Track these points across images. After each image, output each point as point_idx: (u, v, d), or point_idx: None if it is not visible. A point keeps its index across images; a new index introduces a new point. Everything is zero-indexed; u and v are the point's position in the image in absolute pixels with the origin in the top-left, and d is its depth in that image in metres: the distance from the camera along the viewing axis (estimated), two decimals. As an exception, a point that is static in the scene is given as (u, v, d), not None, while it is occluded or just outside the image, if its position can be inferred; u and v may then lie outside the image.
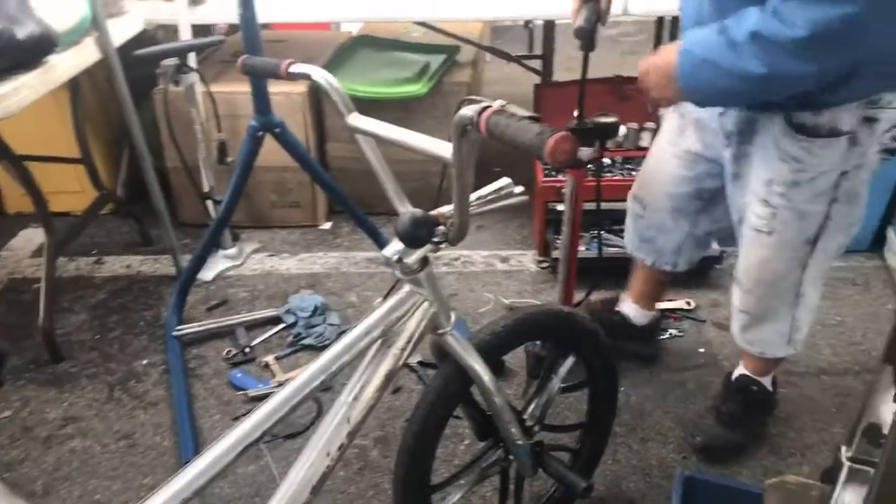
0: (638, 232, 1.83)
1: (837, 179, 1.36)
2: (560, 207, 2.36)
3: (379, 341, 1.18)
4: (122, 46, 2.11)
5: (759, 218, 1.46)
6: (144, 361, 2.14)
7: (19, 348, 2.19)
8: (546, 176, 2.33)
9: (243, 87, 2.12)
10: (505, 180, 1.19)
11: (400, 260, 1.13)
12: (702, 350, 2.12)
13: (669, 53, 1.29)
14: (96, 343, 2.22)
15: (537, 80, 2.99)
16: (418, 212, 1.11)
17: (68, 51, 1.88)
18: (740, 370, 1.78)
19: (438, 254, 2.51)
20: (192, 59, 2.24)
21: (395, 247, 1.13)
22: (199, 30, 2.35)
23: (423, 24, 2.69)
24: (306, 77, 1.20)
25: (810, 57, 1.13)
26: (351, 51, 2.72)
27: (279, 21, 2.58)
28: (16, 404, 2.01)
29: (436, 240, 1.13)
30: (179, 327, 2.19)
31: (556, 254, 2.37)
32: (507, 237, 2.69)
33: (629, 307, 2.00)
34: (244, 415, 1.36)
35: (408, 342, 1.19)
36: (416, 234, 1.10)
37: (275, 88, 2.36)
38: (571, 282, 1.95)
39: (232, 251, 2.54)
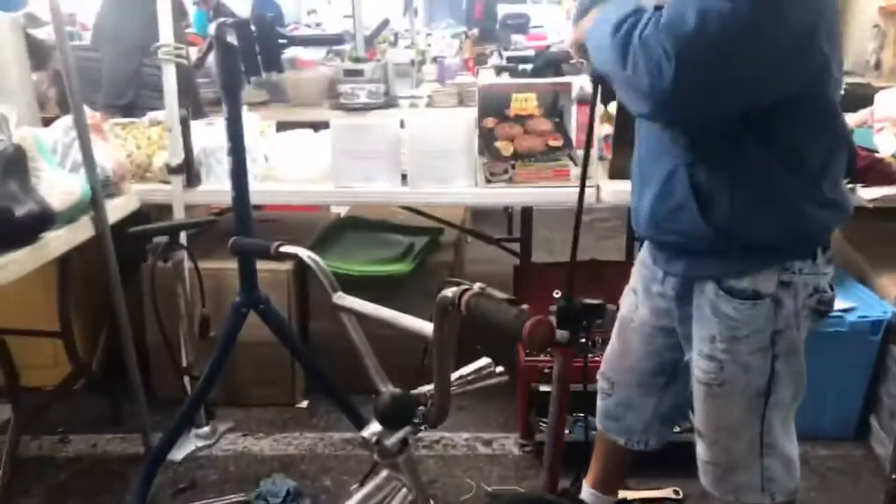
0: (607, 411, 1.82)
1: (772, 337, 1.45)
2: (543, 388, 2.36)
3: (353, 531, 1.11)
4: (115, 223, 2.18)
5: (706, 372, 1.51)
6: (98, 552, 1.99)
7: (-36, 536, 2.03)
8: (528, 356, 2.34)
9: (229, 264, 2.17)
10: (485, 360, 1.19)
11: (378, 442, 1.09)
12: (693, 543, 2.01)
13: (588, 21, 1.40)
14: (49, 530, 2.07)
15: (516, 261, 3.09)
16: (398, 391, 1.10)
17: (63, 228, 1.94)
18: None
19: (419, 435, 2.45)
20: (182, 237, 2.31)
21: (373, 428, 1.10)
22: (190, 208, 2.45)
23: (407, 208, 2.83)
24: (295, 258, 1.24)
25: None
26: (338, 231, 2.82)
27: (272, 203, 2.70)
28: None
29: (416, 421, 1.11)
30: (140, 513, 2.05)
31: (539, 437, 2.31)
32: (489, 419, 2.63)
33: (588, 494, 1.93)
34: None
35: (384, 532, 1.12)
36: (396, 415, 1.08)
37: (262, 266, 2.42)
38: (557, 467, 1.88)
39: (205, 430, 2.45)
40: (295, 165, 2.47)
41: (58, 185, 1.92)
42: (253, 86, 4.15)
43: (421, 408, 1.11)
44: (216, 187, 2.42)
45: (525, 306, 0.80)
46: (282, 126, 2.98)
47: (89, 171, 2.00)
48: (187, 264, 2.31)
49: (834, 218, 1.46)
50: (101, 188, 2.06)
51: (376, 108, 3.84)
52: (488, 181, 2.37)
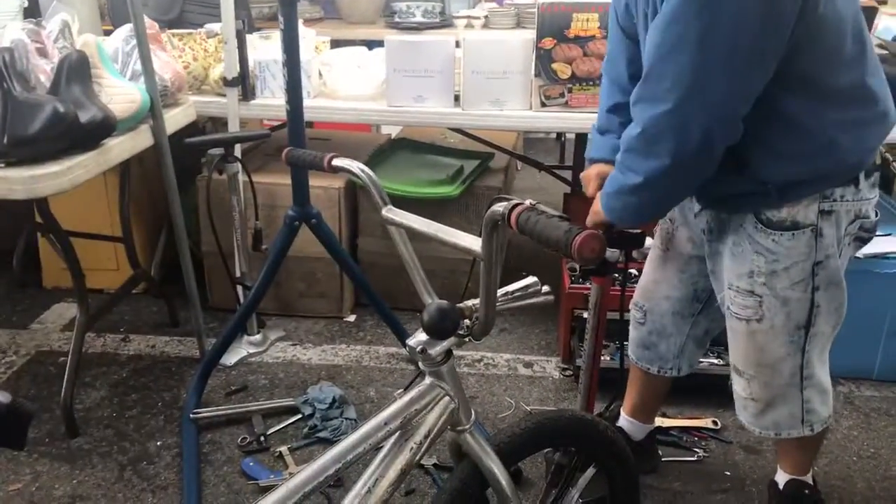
0: (640, 340, 1.84)
1: (813, 268, 1.43)
2: (586, 315, 2.37)
3: (397, 434, 1.16)
4: (172, 134, 2.23)
5: (745, 308, 1.51)
6: (158, 443, 2.12)
7: (37, 420, 2.19)
8: (573, 283, 2.34)
9: (283, 179, 2.21)
10: (532, 279, 1.20)
11: (424, 351, 1.13)
12: (728, 473, 2.04)
13: (596, 203, 1.52)
14: (113, 421, 2.21)
15: (567, 189, 3.06)
16: (445, 303, 1.12)
17: (125, 135, 1.99)
18: (784, 476, 1.75)
19: (461, 353, 2.50)
20: (237, 150, 2.35)
21: (419, 337, 1.13)
22: (244, 123, 2.48)
23: (458, 130, 2.80)
24: (348, 171, 1.25)
25: (654, 152, 1.29)
26: (389, 151, 2.82)
27: (325, 120, 2.71)
28: (26, 477, 1.99)
29: (460, 333, 1.14)
30: (197, 410, 2.17)
31: (579, 361, 2.34)
32: (531, 342, 2.67)
33: (626, 421, 1.96)
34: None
35: (426, 437, 1.17)
36: (442, 325, 1.11)
37: (314, 182, 2.46)
38: (593, 391, 1.92)
39: (256, 338, 2.56)
40: (348, 83, 2.46)
41: (119, 92, 1.96)
42: (308, 1, 4.11)
43: (466, 321, 1.14)
44: (271, 101, 2.44)
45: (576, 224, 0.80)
46: (335, 43, 2.97)
47: (149, 79, 2.03)
48: (241, 177, 2.35)
49: (874, 136, 1.39)
50: (160, 97, 2.10)
51: (431, 28, 3.77)
52: (543, 105, 2.33)
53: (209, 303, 2.78)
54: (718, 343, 1.94)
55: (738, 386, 1.63)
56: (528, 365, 2.54)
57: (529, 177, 3.84)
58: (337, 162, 1.26)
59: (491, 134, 2.90)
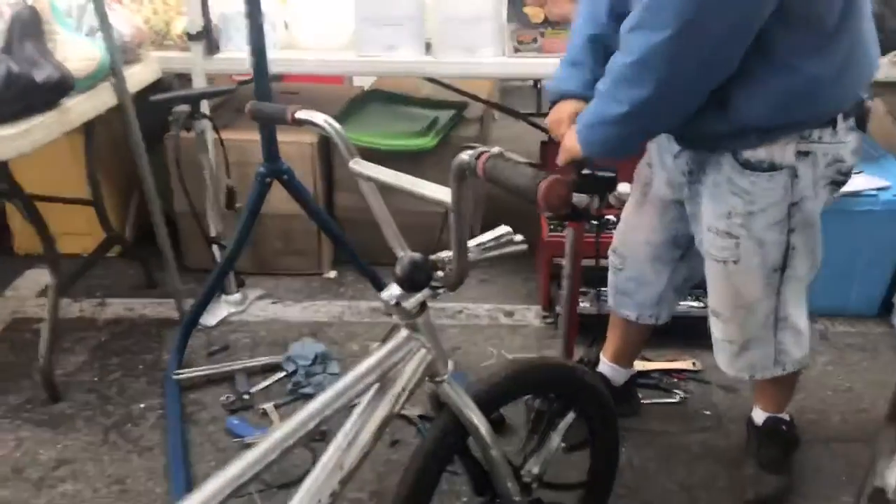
0: (618, 286, 1.84)
1: (789, 209, 1.44)
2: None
3: (375, 386, 1.16)
4: (137, 92, 2.17)
5: (723, 249, 1.51)
6: (142, 405, 2.12)
7: (18, 387, 2.17)
8: (552, 231, 2.34)
9: (253, 136, 2.16)
10: (504, 228, 1.19)
11: (398, 304, 1.12)
12: (707, 413, 2.08)
13: (570, 138, 1.47)
14: (95, 385, 2.20)
15: (544, 138, 3.02)
16: (417, 255, 1.11)
17: (85, 94, 1.93)
18: (761, 414, 1.79)
19: (442, 305, 2.50)
20: (205, 107, 2.29)
21: (392, 290, 1.13)
22: (212, 79, 2.41)
23: (432, 80, 2.75)
24: (311, 123, 1.22)
25: (644, 81, 1.27)
26: (362, 104, 2.77)
27: (293, 72, 2.64)
28: (10, 444, 1.98)
29: (434, 285, 1.13)
30: (179, 371, 2.17)
31: (559, 309, 2.35)
32: (511, 291, 2.68)
33: (606, 367, 1.98)
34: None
35: (404, 389, 1.17)
36: (415, 278, 1.10)
37: (285, 137, 2.41)
38: (572, 337, 1.94)
39: (236, 297, 2.54)
40: (316, 33, 2.40)
41: (75, 50, 1.89)
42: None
43: (439, 272, 1.13)
44: (236, 55, 2.37)
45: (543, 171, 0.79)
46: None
47: (106, 35, 1.96)
48: (210, 134, 2.30)
49: (857, 80, 1.38)
50: (120, 54, 2.03)
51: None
52: (516, 50, 2.28)
53: (185, 263, 2.75)
54: (699, 286, 1.96)
55: (716, 329, 1.65)
56: (510, 314, 2.55)
57: (506, 126, 3.79)
58: (300, 114, 1.23)
59: (466, 83, 2.85)
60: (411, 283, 1.10)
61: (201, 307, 2.21)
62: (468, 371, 2.22)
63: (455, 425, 1.24)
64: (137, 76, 2.17)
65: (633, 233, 1.77)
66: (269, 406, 2.07)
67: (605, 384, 1.98)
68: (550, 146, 2.75)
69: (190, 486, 1.80)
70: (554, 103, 1.60)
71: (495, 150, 0.91)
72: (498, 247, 1.18)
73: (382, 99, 2.80)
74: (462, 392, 1.24)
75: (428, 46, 2.33)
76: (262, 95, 1.91)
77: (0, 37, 1.80)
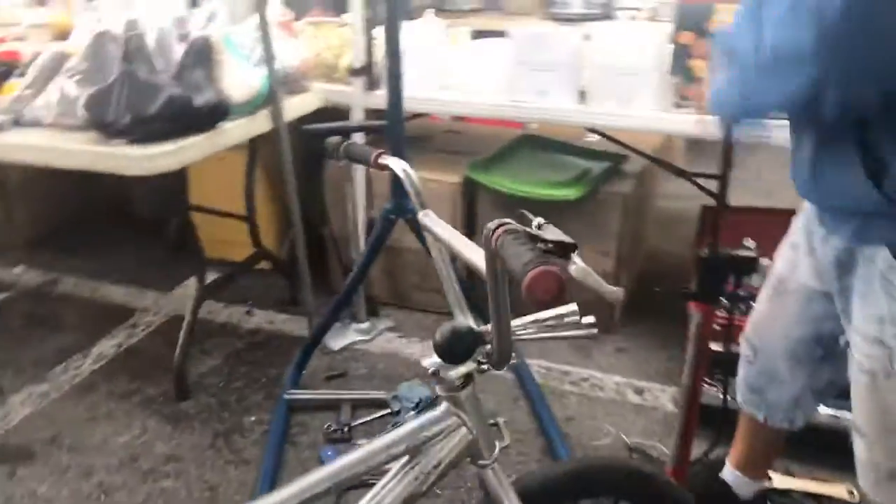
0: (748, 380, 1.58)
1: None
2: (714, 346, 2.12)
3: (404, 459, 1.08)
4: (300, 119, 2.29)
5: (871, 359, 1.22)
6: (253, 418, 2.20)
7: (158, 380, 2.36)
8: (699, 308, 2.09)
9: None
10: (570, 307, 1.05)
11: (437, 373, 1.03)
12: (858, 553, 1.71)
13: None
14: (219, 390, 2.33)
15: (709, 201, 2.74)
16: (462, 325, 1.01)
17: (242, 119, 2.06)
18: None
19: (566, 368, 2.33)
20: (358, 139, 2.35)
21: (434, 358, 1.03)
22: (371, 114, 2.48)
23: (595, 131, 2.61)
24: (391, 169, 1.18)
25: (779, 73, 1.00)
26: (515, 147, 2.70)
27: (442, 113, 2.65)
28: (135, 431, 2.15)
29: (480, 360, 1.03)
30: (292, 391, 2.23)
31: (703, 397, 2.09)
32: (649, 367, 2.44)
33: (730, 474, 1.70)
34: None
35: (435, 467, 1.06)
36: (454, 349, 1.00)
37: (431, 175, 2.42)
38: (690, 432, 1.69)
39: (364, 325, 2.57)
40: (473, 75, 2.38)
41: (240, 78, 2.04)
42: (469, -9, 4.07)
43: (487, 346, 1.02)
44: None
45: (547, 251, 0.66)
46: (488, 35, 2.87)
47: (269, 67, 2.08)
48: (361, 167, 2.36)
49: None
50: (282, 84, 2.15)
51: (591, 20, 3.56)
52: (677, 105, 2.09)
53: (331, 286, 2.84)
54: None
55: (859, 447, 1.35)
56: (640, 392, 2.32)
57: (681, 184, 3.51)
58: (383, 160, 1.19)
59: (634, 136, 2.67)
60: (448, 354, 1.00)
61: (322, 331, 2.26)
62: (577, 448, 2.04)
63: (492, 517, 1.11)
64: (297, 105, 2.29)
65: (769, 322, 1.51)
66: (364, 442, 2.04)
67: (729, 495, 1.72)
68: (711, 211, 2.49)
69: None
70: None
71: (537, 221, 0.80)
72: (559, 327, 1.04)
73: (537, 145, 2.71)
74: (507, 483, 1.10)
75: (582, 94, 2.21)
76: (395, 133, 1.91)
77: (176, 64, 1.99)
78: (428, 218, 1.11)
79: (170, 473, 1.99)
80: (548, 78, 2.18)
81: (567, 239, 0.75)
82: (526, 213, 0.86)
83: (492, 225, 0.78)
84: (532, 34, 2.22)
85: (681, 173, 2.73)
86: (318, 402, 2.23)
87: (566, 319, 1.04)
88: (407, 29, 2.46)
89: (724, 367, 1.69)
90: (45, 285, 3.01)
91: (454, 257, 1.04)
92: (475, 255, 0.93)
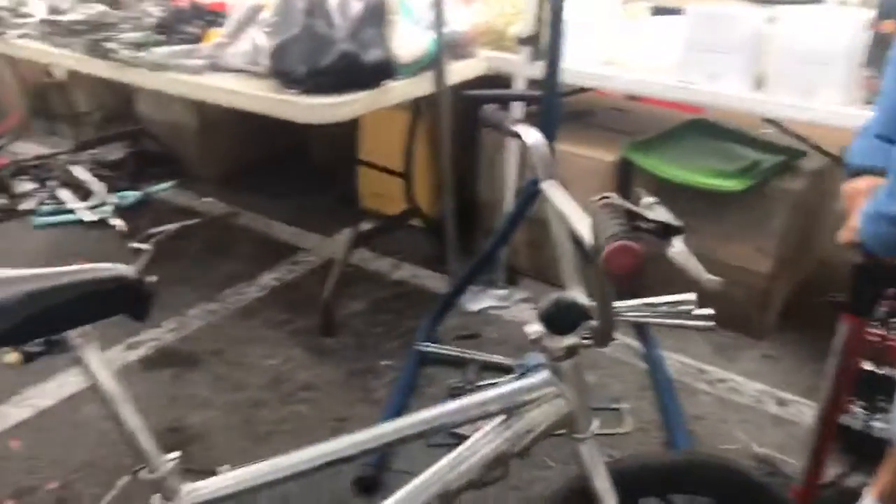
0: None
1: None
2: (867, 365, 1.93)
3: (500, 417, 1.11)
4: (464, 84, 2.35)
5: None
6: (386, 362, 2.33)
7: (308, 315, 2.56)
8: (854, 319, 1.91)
9: (566, 146, 2.17)
10: (687, 296, 1.01)
11: (539, 341, 1.05)
12: None
13: (856, 218, 1.20)
14: (360, 332, 2.49)
15: None
16: (567, 297, 1.02)
17: (406, 80, 2.15)
18: None
19: (704, 367, 2.24)
20: (516, 109, 2.37)
21: (536, 326, 1.05)
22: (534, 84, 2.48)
23: (771, 121, 2.43)
24: (519, 136, 1.19)
25: None
26: (682, 131, 2.58)
27: (605, 88, 2.59)
28: (281, 357, 2.36)
29: (584, 334, 1.03)
30: (425, 343, 2.33)
31: (844, 418, 1.92)
32: (797, 379, 2.27)
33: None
34: (439, 445, 1.41)
35: (528, 431, 1.09)
36: (555, 320, 1.01)
37: (586, 152, 2.39)
38: (823, 451, 1.57)
39: (502, 292, 2.62)
40: (642, 52, 2.30)
41: (408, 39, 2.12)
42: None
43: (592, 322, 1.02)
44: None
45: (645, 230, 0.65)
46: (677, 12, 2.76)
47: (437, 31, 2.15)
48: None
49: None
50: (448, 48, 2.21)
51: (794, 2, 3.27)
52: (868, 102, 1.89)
53: (476, 250, 2.90)
54: None
55: None
56: (782, 403, 2.17)
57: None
58: (516, 126, 1.20)
59: (817, 131, 2.46)
60: (550, 323, 1.01)
61: (458, 290, 2.33)
62: (700, 447, 1.97)
63: (582, 492, 1.12)
64: (461, 70, 2.34)
65: None
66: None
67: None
68: None
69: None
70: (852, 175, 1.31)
71: (646, 200, 0.79)
72: (671, 315, 1.01)
73: (705, 130, 2.57)
74: (600, 460, 1.10)
75: (759, 81, 2.06)
76: (549, 105, 1.90)
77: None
78: (551, 188, 1.11)
79: (306, 399, 2.17)
80: (721, 60, 2.06)
81: (672, 220, 0.73)
82: (639, 190, 0.84)
83: (596, 197, 0.78)
84: (707, 13, 2.10)
85: (858, 172, 2.47)
86: (447, 358, 2.31)
87: (681, 308, 1.01)
88: (578, 1, 2.43)
89: (873, 388, 1.55)
90: (226, 217, 3.35)
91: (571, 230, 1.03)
92: (584, 229, 0.93)
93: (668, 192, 2.40)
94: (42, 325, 0.89)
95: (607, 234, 0.66)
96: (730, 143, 2.48)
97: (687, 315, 1.01)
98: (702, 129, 2.58)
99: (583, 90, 2.93)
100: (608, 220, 0.69)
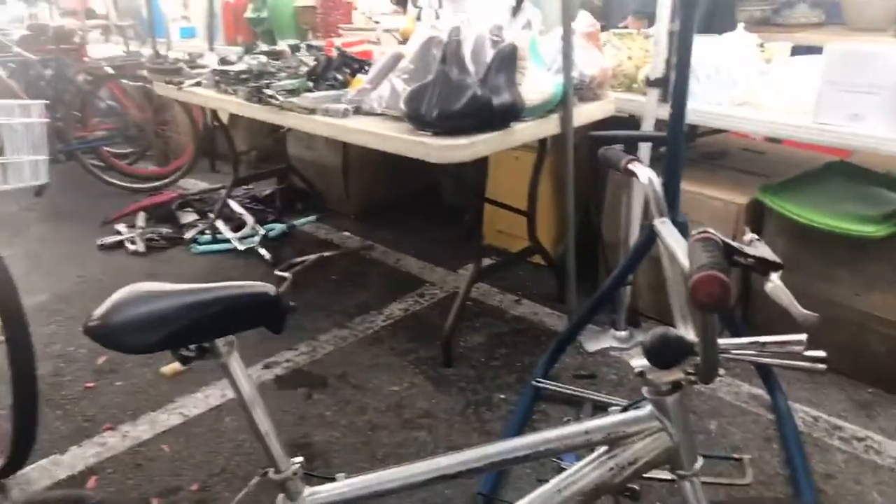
0: None
1: None
2: None
3: (604, 448, 1.13)
4: (592, 125, 2.40)
5: None
6: (502, 396, 2.38)
7: (431, 345, 2.66)
8: None
9: (694, 186, 2.17)
10: (797, 336, 0.99)
11: (643, 374, 1.07)
12: None
13: None
14: (479, 364, 2.55)
15: None
16: (672, 332, 1.03)
17: (534, 121, 2.23)
18: None
19: (840, 423, 2.12)
20: (644, 150, 2.38)
21: (643, 360, 1.07)
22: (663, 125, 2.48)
23: (924, 163, 2.28)
24: (635, 175, 1.22)
25: None
26: (822, 174, 2.47)
27: (738, 130, 2.53)
28: (404, 384, 2.47)
29: (689, 370, 1.04)
30: (541, 379, 2.35)
31: None
32: (952, 443, 2.08)
33: None
34: (542, 480, 1.45)
35: (630, 464, 1.11)
36: (660, 354, 1.03)
37: (717, 193, 2.37)
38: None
39: (622, 334, 2.59)
40: (778, 93, 2.24)
41: (537, 83, 2.20)
42: (808, 5, 3.76)
43: (697, 358, 1.03)
44: (690, 105, 2.38)
45: (744, 266, 0.67)
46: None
47: (565, 74, 2.22)
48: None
49: None
50: (575, 91, 2.27)
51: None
52: None
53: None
54: None
55: None
56: (932, 469, 2.00)
57: None
58: (632, 166, 1.24)
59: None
60: (655, 358, 1.03)
61: (577, 328, 2.34)
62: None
63: (686, 531, 1.11)
64: (589, 112, 2.39)
65: None
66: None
67: None
68: None
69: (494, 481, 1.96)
70: None
71: (749, 237, 0.81)
72: (780, 356, 1.00)
73: (846, 173, 2.44)
74: (703, 499, 1.10)
75: (908, 124, 1.96)
76: (673, 146, 1.91)
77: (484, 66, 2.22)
78: (664, 226, 1.14)
79: (424, 426, 2.26)
80: (864, 101, 1.98)
81: (770, 257, 0.74)
82: (746, 228, 0.86)
83: (695, 232, 0.81)
84: (847, 51, 2.03)
85: None
86: (562, 396, 2.32)
87: (791, 348, 1.00)
88: (712, 43, 2.43)
89: None
90: (362, 249, 3.55)
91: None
92: (682, 255, 0.95)
93: (805, 236, 2.30)
94: (196, 331, 1.03)
95: (697, 265, 0.68)
96: (873, 187, 2.34)
97: (797, 355, 1.00)
98: (842, 172, 2.45)
99: (716, 131, 2.89)
100: (700, 252, 0.72)
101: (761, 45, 2.53)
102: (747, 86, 2.37)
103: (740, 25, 2.48)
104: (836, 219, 2.17)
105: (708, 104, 2.24)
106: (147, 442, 2.21)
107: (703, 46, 2.32)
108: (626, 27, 2.94)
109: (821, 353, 1.00)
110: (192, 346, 1.05)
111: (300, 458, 1.15)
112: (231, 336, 1.06)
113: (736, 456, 2.02)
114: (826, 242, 2.15)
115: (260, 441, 1.10)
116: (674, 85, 1.88)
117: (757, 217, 2.40)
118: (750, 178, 2.53)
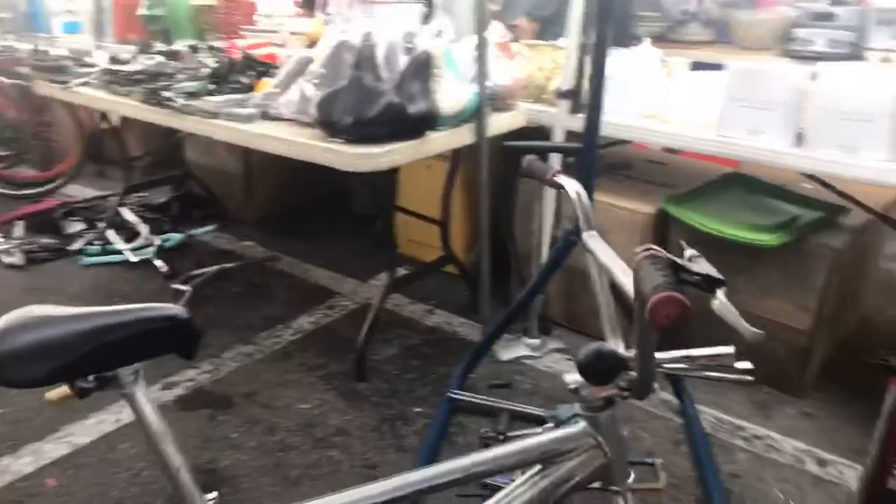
0: None
1: None
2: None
3: (537, 467, 1.11)
4: (504, 135, 2.40)
5: None
6: (418, 409, 2.33)
7: (342, 359, 2.58)
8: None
9: (605, 197, 2.20)
10: (725, 349, 1.01)
11: (577, 391, 1.05)
12: None
13: None
14: (392, 378, 2.50)
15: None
16: (606, 347, 1.02)
17: (447, 130, 2.20)
18: None
19: (741, 423, 2.20)
20: (554, 160, 2.41)
21: (576, 375, 1.05)
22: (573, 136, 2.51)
23: (812, 177, 2.42)
24: (561, 186, 1.21)
25: None
26: (721, 185, 2.58)
27: (645, 142, 2.61)
28: (315, 401, 2.37)
29: (622, 385, 1.03)
30: (457, 391, 2.32)
31: (892, 482, 1.86)
32: (838, 440, 2.21)
33: None
34: (469, 495, 1.41)
35: (564, 481, 1.09)
36: (594, 370, 1.01)
37: (624, 203, 2.41)
38: (868, 520, 1.52)
39: (535, 342, 2.61)
40: (682, 107, 2.32)
41: (451, 92, 2.18)
42: (701, 23, 3.94)
43: (632, 373, 1.02)
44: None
45: (689, 283, 0.66)
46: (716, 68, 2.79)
47: (479, 84, 2.21)
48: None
49: None
50: (489, 101, 2.26)
51: (834, 60, 3.29)
52: (911, 160, 1.89)
53: (510, 299, 2.91)
54: None
55: None
56: (822, 463, 2.11)
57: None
58: (558, 178, 1.23)
59: (858, 188, 2.44)
60: (589, 374, 1.01)
61: (491, 339, 2.33)
62: (739, 506, 1.92)
63: (618, 547, 1.10)
64: (502, 122, 2.39)
65: None
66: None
67: None
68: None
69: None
70: None
71: (655, 249, 0.80)
72: (709, 367, 1.01)
73: (744, 184, 2.57)
74: (635, 515, 1.09)
75: (800, 137, 2.07)
76: (587, 158, 1.93)
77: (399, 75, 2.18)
78: (592, 239, 1.13)
79: (337, 445, 2.17)
80: (762, 116, 2.08)
81: (714, 273, 0.74)
82: (682, 243, 0.85)
83: (639, 249, 0.80)
84: (748, 69, 2.13)
85: (908, 234, 2.45)
86: (479, 407, 2.30)
87: (720, 361, 1.01)
88: (620, 56, 2.48)
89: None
90: (266, 260, 3.41)
91: (612, 281, 1.05)
92: (627, 281, 0.95)
93: (706, 245, 2.38)
94: (97, 361, 0.92)
95: (652, 285, 0.67)
96: (769, 198, 2.47)
97: (726, 368, 1.01)
98: (740, 183, 2.58)
99: (621, 142, 2.97)
100: (653, 272, 0.71)
101: (663, 60, 2.62)
102: (654, 99, 2.44)
103: (646, 40, 2.56)
104: (734, 228, 2.27)
105: (618, 116, 2.28)
106: (30, 476, 2.01)
107: (613, 59, 2.37)
108: (516, 26, 2.95)
109: (749, 365, 1.02)
110: (91, 377, 0.95)
111: (214, 494, 1.05)
112: (137, 364, 0.96)
113: (649, 460, 2.06)
114: (726, 251, 2.24)
115: (171, 479, 1.00)
116: (590, 96, 1.91)
117: (663, 226, 2.48)
118: (654, 188, 2.61)
